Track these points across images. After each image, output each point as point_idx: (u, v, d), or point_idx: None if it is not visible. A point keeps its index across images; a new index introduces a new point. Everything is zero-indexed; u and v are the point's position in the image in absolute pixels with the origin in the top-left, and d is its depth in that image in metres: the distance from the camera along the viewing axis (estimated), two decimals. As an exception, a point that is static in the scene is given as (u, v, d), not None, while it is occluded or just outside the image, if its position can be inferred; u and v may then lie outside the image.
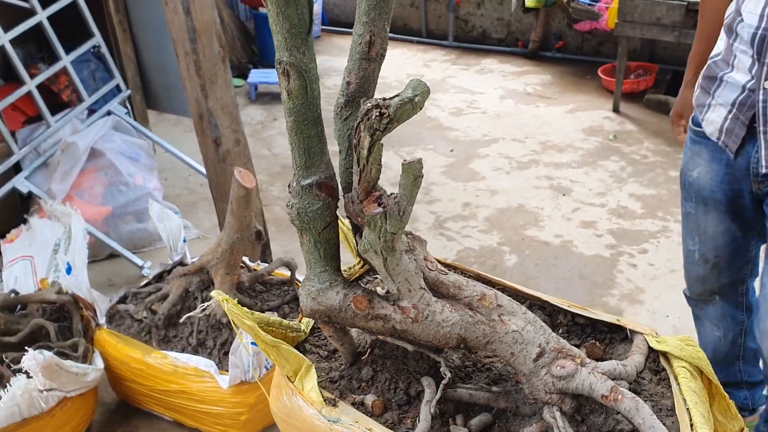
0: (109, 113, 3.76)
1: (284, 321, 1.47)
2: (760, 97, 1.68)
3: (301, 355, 1.41)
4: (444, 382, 1.37)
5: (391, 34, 6.16)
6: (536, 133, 4.76)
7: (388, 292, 1.38)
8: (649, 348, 1.52)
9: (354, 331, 1.53)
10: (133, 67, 4.13)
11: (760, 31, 1.64)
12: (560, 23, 5.86)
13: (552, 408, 1.33)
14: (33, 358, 2.02)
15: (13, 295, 2.58)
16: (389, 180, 4.25)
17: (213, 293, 1.32)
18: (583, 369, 1.33)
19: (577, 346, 1.60)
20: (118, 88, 3.87)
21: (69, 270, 2.52)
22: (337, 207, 1.35)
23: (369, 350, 1.48)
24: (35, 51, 4.15)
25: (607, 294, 3.18)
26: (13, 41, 4.02)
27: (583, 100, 5.21)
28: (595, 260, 3.42)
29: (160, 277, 2.78)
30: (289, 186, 1.31)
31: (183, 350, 2.44)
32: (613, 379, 1.35)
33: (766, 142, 1.72)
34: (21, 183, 3.34)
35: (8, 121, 3.59)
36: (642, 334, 1.54)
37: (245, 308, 1.35)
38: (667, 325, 2.97)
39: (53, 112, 3.57)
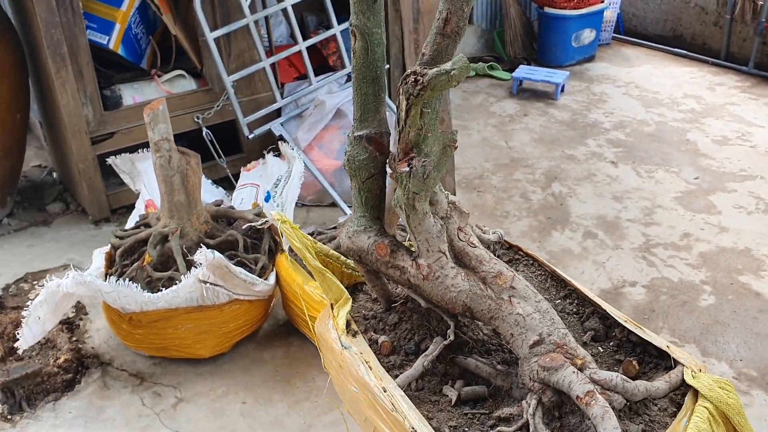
0: (364, 81, 4.19)
1: (342, 257, 1.67)
2: None
3: (342, 287, 1.60)
4: (445, 342, 1.46)
5: (684, 51, 5.85)
6: (805, 178, 4.21)
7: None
8: (684, 382, 1.43)
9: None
10: (397, 44, 4.53)
11: None
12: None
13: (532, 396, 1.36)
14: (204, 254, 2.47)
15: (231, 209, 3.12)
16: (613, 194, 4.12)
17: (273, 212, 1.56)
18: (570, 367, 1.33)
19: (621, 362, 1.56)
20: (378, 61, 4.28)
21: (267, 198, 2.97)
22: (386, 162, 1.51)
23: (402, 302, 1.62)
24: (325, 19, 4.77)
25: (801, 363, 2.80)
26: (308, 9, 4.67)
27: None
28: (805, 325, 3.00)
29: (343, 225, 3.13)
30: (348, 135, 1.50)
31: (335, 287, 2.75)
32: (607, 389, 1.33)
33: None
34: (276, 126, 3.93)
35: (283, 74, 4.23)
36: (683, 366, 1.46)
37: (302, 231, 1.58)
38: None
39: (319, 73, 4.11)
